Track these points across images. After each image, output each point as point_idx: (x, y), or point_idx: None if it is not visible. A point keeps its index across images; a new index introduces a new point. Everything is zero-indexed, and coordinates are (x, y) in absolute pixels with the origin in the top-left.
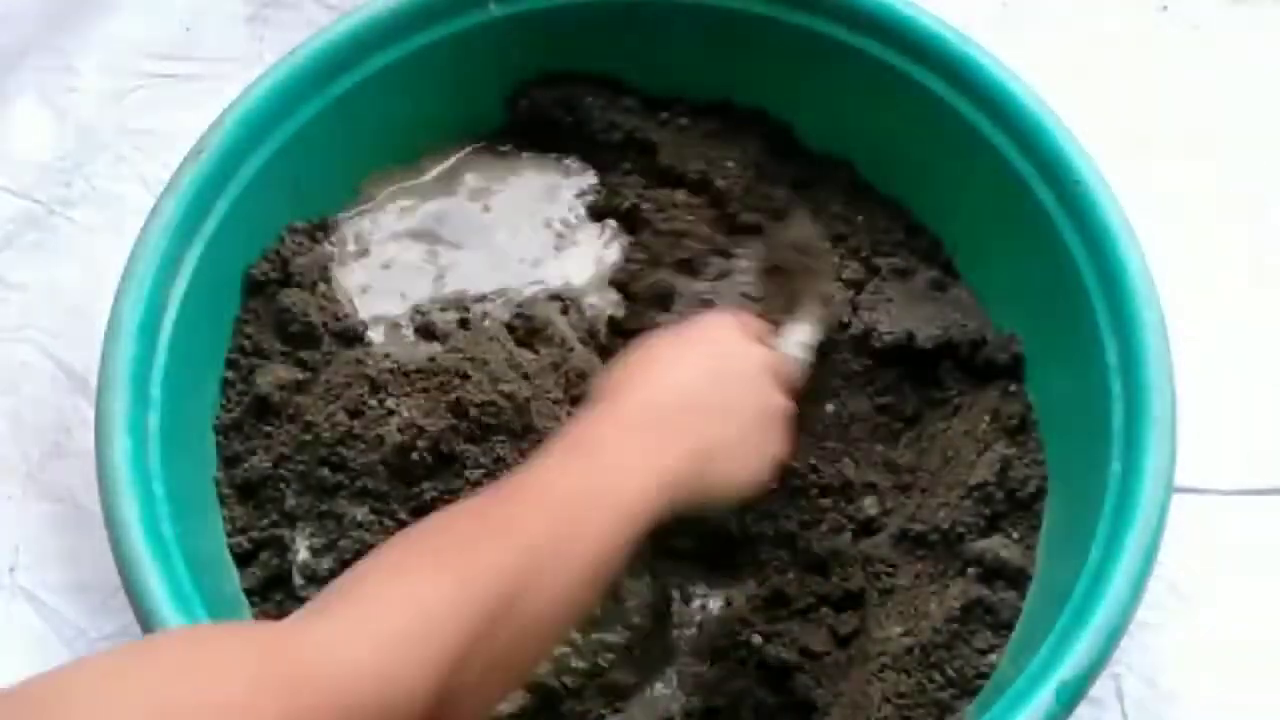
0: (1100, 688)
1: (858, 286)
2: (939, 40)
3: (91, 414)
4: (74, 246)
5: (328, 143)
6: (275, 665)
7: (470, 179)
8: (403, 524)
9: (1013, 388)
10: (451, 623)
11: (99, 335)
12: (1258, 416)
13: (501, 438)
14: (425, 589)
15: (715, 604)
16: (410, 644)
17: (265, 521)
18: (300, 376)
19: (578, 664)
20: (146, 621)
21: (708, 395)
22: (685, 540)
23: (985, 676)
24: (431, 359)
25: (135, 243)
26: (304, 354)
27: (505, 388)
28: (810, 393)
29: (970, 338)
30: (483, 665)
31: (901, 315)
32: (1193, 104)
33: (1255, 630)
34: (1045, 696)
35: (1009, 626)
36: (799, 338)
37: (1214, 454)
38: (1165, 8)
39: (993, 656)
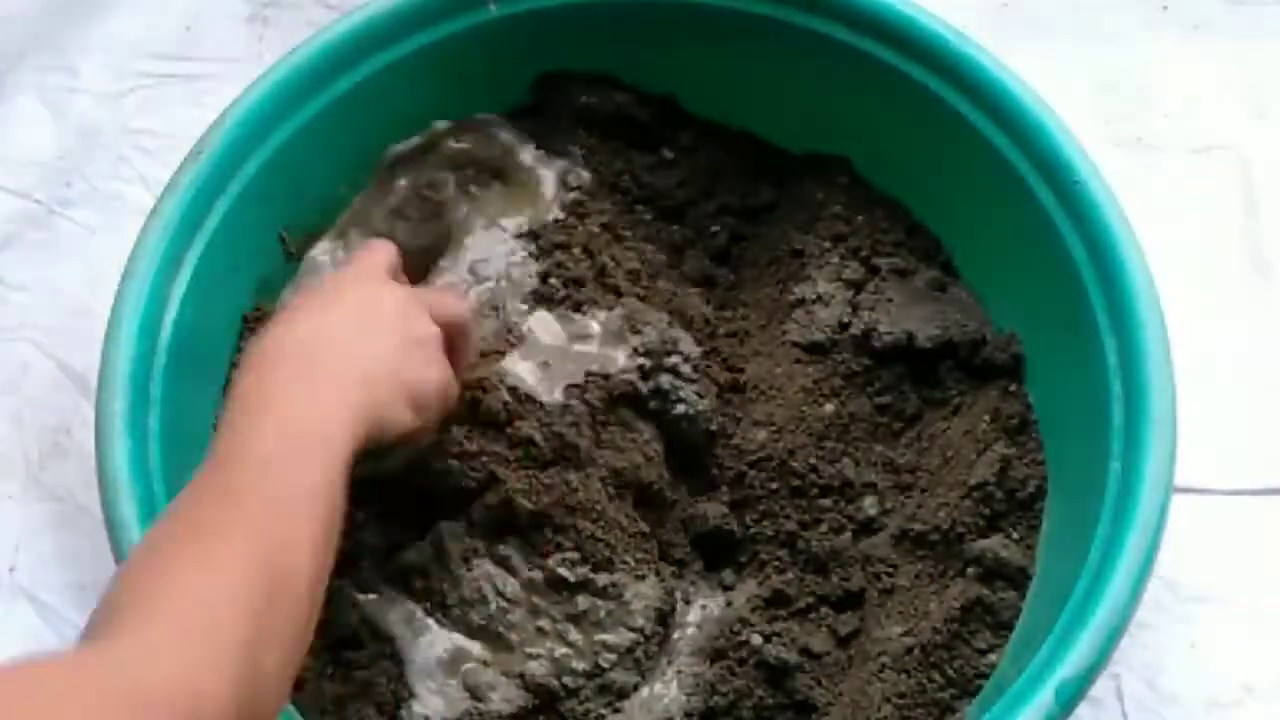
0: (1100, 688)
1: (858, 286)
2: (939, 40)
3: (91, 414)
4: (74, 246)
5: (328, 143)
6: (113, 698)
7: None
8: (403, 525)
9: (1013, 388)
10: (228, 609)
11: (99, 335)
12: (1258, 416)
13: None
14: (199, 583)
15: (715, 604)
16: (201, 639)
17: None
18: None
19: (578, 665)
20: None
21: (351, 330)
22: (684, 542)
23: (985, 676)
24: None
25: (135, 243)
26: None
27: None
28: None
29: (970, 338)
30: (270, 644)
31: (901, 315)
32: (1194, 104)
33: (1255, 630)
34: (1045, 696)
35: (1009, 626)
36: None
37: (1214, 454)
38: (1165, 7)
39: (992, 656)
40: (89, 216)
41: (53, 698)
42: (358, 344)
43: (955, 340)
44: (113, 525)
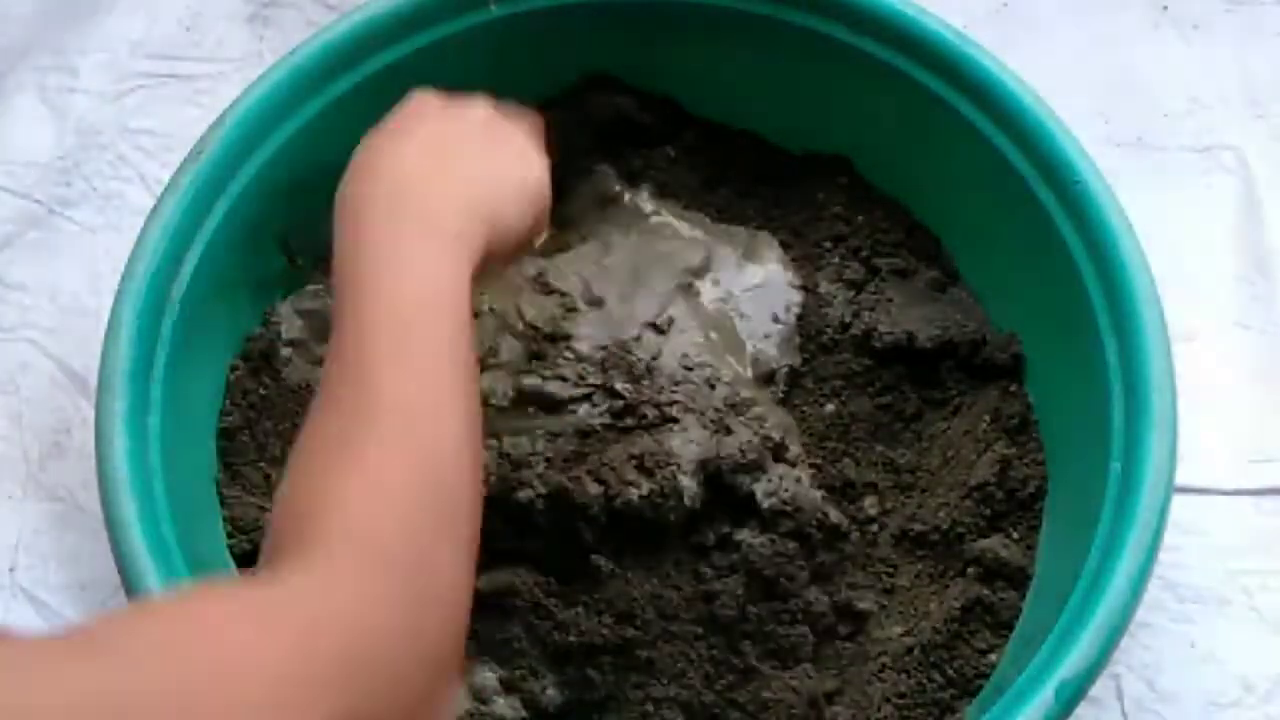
0: (1100, 688)
1: (858, 287)
2: (938, 40)
3: (91, 414)
4: (74, 246)
5: (328, 143)
6: (284, 628)
7: None
8: None
9: (1013, 388)
10: (394, 533)
11: (99, 335)
12: (1258, 416)
13: None
14: (362, 507)
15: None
16: (370, 571)
17: (265, 522)
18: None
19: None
20: None
21: (437, 159)
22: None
23: (985, 676)
24: None
25: (135, 243)
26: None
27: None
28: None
29: (970, 338)
30: (441, 550)
31: (901, 315)
32: (1194, 104)
33: (1255, 630)
34: (1045, 696)
35: (1009, 626)
36: None
37: (1214, 454)
38: (1166, 7)
39: (993, 656)
40: (88, 216)
41: (221, 622)
42: (460, 157)
43: (955, 340)
44: (112, 525)
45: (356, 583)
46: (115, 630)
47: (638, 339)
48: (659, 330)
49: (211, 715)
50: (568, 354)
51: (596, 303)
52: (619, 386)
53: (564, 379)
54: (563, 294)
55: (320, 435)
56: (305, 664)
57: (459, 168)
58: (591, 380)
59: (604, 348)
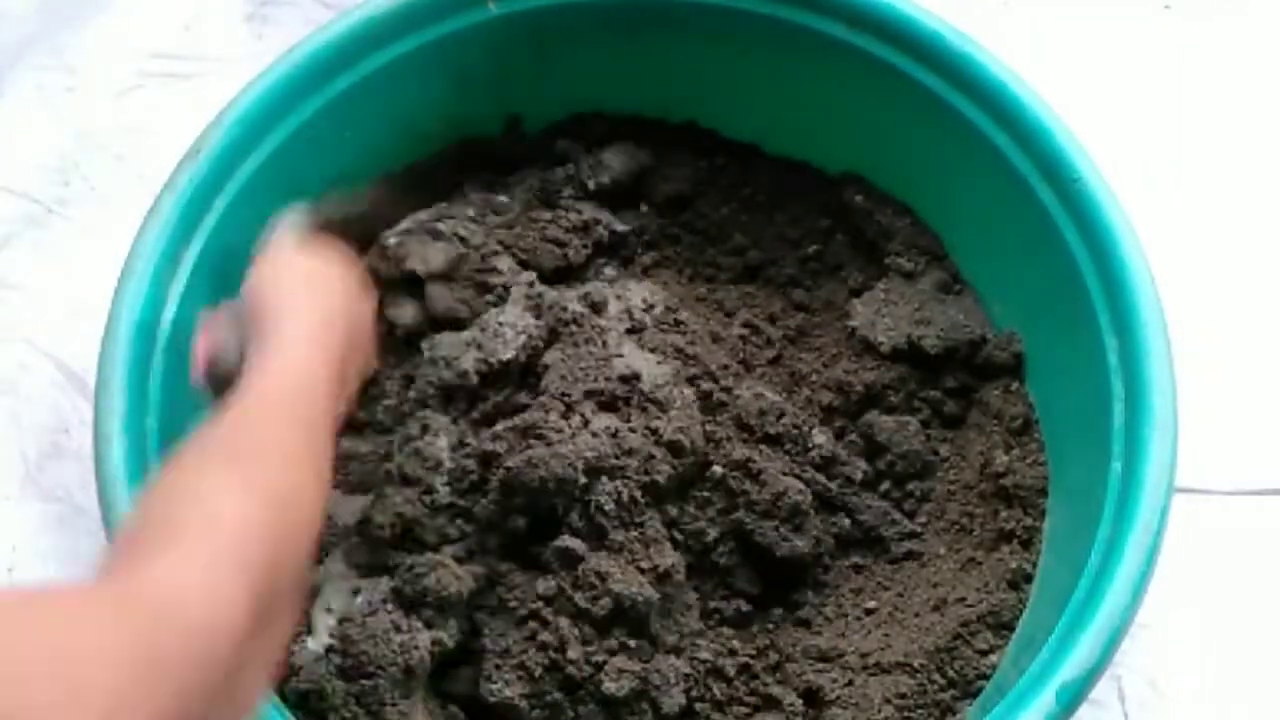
0: (1102, 688)
1: (859, 288)
2: (939, 39)
3: (90, 414)
4: (73, 246)
5: (326, 141)
6: (134, 615)
7: None
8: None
9: (1014, 387)
10: (259, 537)
11: (98, 335)
12: (1258, 416)
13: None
14: (228, 509)
15: None
16: (229, 565)
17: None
18: None
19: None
20: None
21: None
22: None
23: (986, 678)
24: None
25: (134, 242)
26: None
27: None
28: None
29: (970, 338)
30: (284, 566)
31: (904, 317)
32: (1194, 103)
33: (1255, 630)
34: (1046, 698)
35: (1009, 627)
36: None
37: (1214, 454)
38: (1168, 6)
39: (993, 658)
40: (87, 216)
41: (73, 612)
42: (318, 303)
43: (957, 340)
44: (111, 525)
45: (213, 565)
46: None
47: None
48: None
49: (47, 693)
50: None
51: None
52: None
53: None
54: None
55: (191, 462)
56: (151, 650)
57: (309, 319)
58: None
59: None
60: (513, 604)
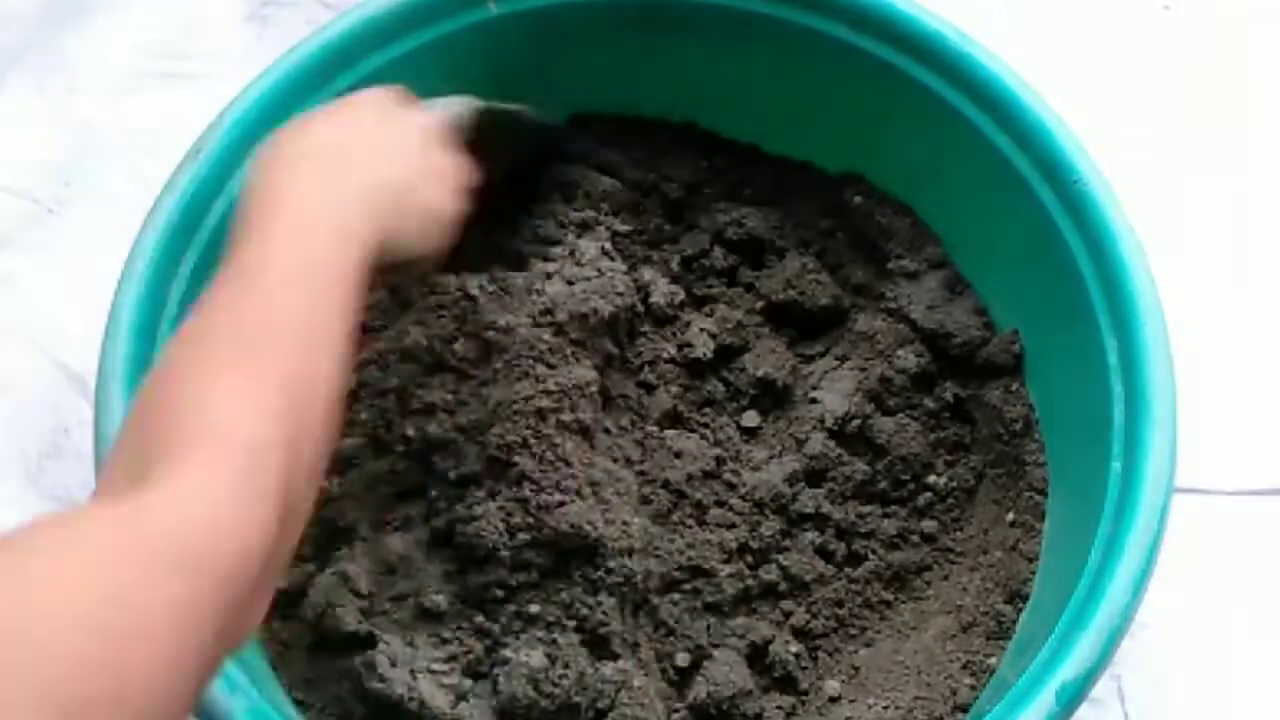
0: (1102, 688)
1: (860, 289)
2: (939, 40)
3: (90, 414)
4: (73, 246)
5: None
6: (145, 547)
7: None
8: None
9: (1014, 386)
10: (277, 448)
11: (98, 335)
12: (1258, 416)
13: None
14: (234, 421)
15: None
16: (246, 483)
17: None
18: None
19: None
20: None
21: (370, 144)
22: None
23: (986, 678)
24: None
25: (134, 242)
26: None
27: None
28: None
29: (971, 337)
30: (301, 467)
31: (904, 317)
32: (1194, 103)
33: (1256, 630)
34: (1046, 698)
35: (1009, 627)
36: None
37: (1214, 454)
38: (1167, 7)
39: (993, 658)
40: (88, 216)
41: (89, 548)
42: (378, 156)
43: (958, 340)
44: None
45: (231, 494)
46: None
47: None
48: None
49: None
50: None
51: None
52: None
53: None
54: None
55: (195, 352)
56: (190, 599)
57: (391, 160)
58: None
59: None
60: None
